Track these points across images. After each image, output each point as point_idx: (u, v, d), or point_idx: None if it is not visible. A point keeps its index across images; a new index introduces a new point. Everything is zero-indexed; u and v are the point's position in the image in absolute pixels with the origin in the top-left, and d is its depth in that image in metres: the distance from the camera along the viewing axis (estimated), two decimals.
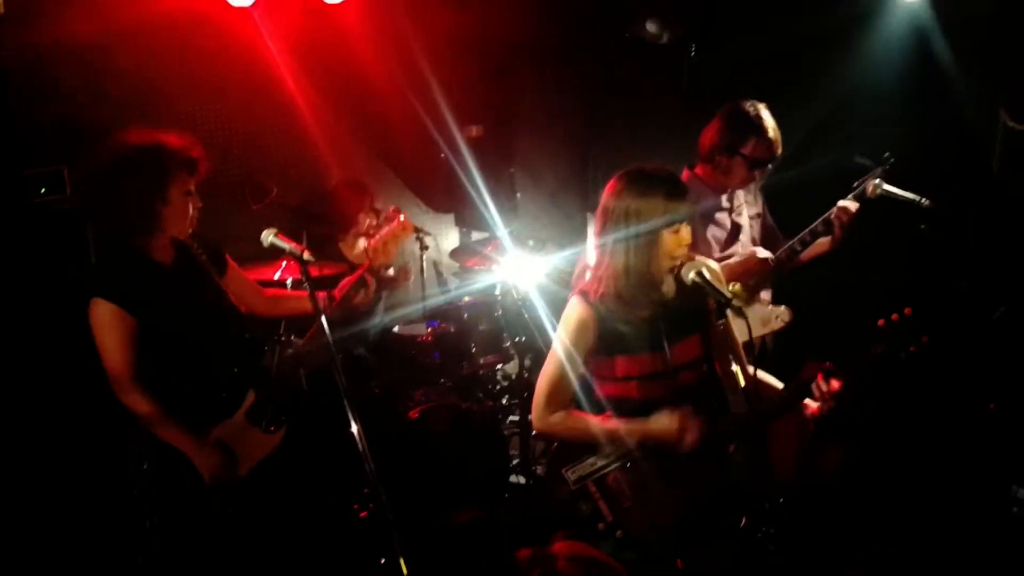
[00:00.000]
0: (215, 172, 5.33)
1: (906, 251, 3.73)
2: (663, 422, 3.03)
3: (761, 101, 4.07)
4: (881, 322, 3.07)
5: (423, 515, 4.48)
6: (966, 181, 3.96)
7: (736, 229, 4.21)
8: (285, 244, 3.16)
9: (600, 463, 3.12)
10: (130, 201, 3.17)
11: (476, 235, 6.49)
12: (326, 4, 5.29)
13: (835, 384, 3.00)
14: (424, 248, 5.93)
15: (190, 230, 3.34)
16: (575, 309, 3.09)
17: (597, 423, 3.08)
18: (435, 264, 5.74)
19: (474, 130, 6.28)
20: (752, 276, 4.07)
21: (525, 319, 5.26)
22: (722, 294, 2.86)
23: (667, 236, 2.98)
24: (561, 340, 3.10)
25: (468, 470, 4.75)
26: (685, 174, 4.17)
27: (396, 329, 5.47)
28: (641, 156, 6.13)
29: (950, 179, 3.63)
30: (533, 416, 3.18)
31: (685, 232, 3.01)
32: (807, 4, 5.06)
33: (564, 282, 5.90)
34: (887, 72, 4.90)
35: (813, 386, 3.04)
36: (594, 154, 6.58)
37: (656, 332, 3.07)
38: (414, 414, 4.71)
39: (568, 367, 3.09)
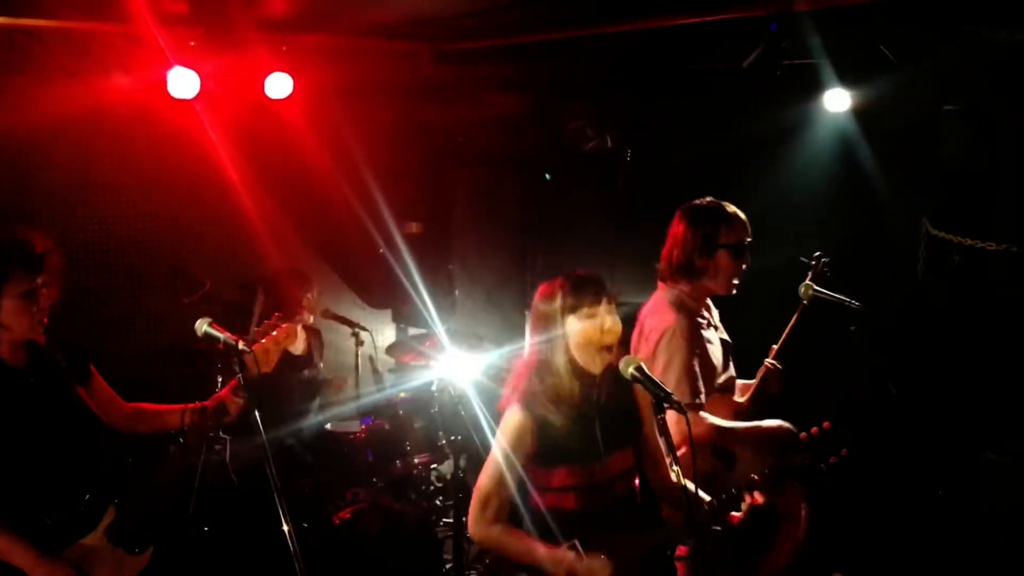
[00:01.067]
0: (148, 263, 5.38)
1: (837, 353, 3.79)
2: (594, 567, 2.96)
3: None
4: (803, 435, 3.11)
5: None
6: (891, 285, 4.08)
7: (727, 348, 3.83)
8: (220, 334, 3.05)
9: None
10: None
11: (413, 332, 6.46)
12: (269, 99, 5.32)
13: (757, 496, 3.05)
14: (360, 344, 5.90)
15: (39, 329, 3.14)
16: (514, 416, 3.05)
17: (530, 547, 3.02)
18: (371, 359, 5.67)
19: (414, 227, 6.32)
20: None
21: (462, 417, 5.20)
22: (661, 388, 2.86)
23: (584, 324, 2.98)
24: (499, 447, 3.05)
25: (399, 573, 4.60)
26: (664, 287, 3.78)
27: (329, 426, 5.36)
28: (577, 256, 6.30)
29: (875, 283, 3.73)
30: (469, 522, 3.10)
31: (609, 321, 3.00)
32: (740, 114, 5.26)
33: (501, 380, 5.87)
34: (815, 179, 5.08)
35: (745, 496, 3.07)
36: (530, 254, 6.65)
37: (593, 442, 3.05)
38: (344, 514, 4.57)
39: (506, 475, 3.02)
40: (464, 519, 5.11)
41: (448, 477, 5.35)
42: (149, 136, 5.24)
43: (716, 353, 3.72)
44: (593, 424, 3.06)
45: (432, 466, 5.34)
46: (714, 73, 5.22)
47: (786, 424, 3.65)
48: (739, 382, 3.88)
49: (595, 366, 3.02)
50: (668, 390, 2.84)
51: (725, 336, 3.84)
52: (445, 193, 6.59)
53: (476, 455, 5.12)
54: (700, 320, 3.71)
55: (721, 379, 3.73)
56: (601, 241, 6.28)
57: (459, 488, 5.12)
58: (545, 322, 3.04)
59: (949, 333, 4.28)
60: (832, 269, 3.97)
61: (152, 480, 3.22)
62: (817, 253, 4.00)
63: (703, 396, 3.58)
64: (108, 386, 3.39)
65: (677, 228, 3.77)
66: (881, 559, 4.73)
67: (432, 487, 5.35)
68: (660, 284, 3.80)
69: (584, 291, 3.01)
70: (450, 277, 6.46)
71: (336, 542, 4.51)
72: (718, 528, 3.29)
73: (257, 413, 3.01)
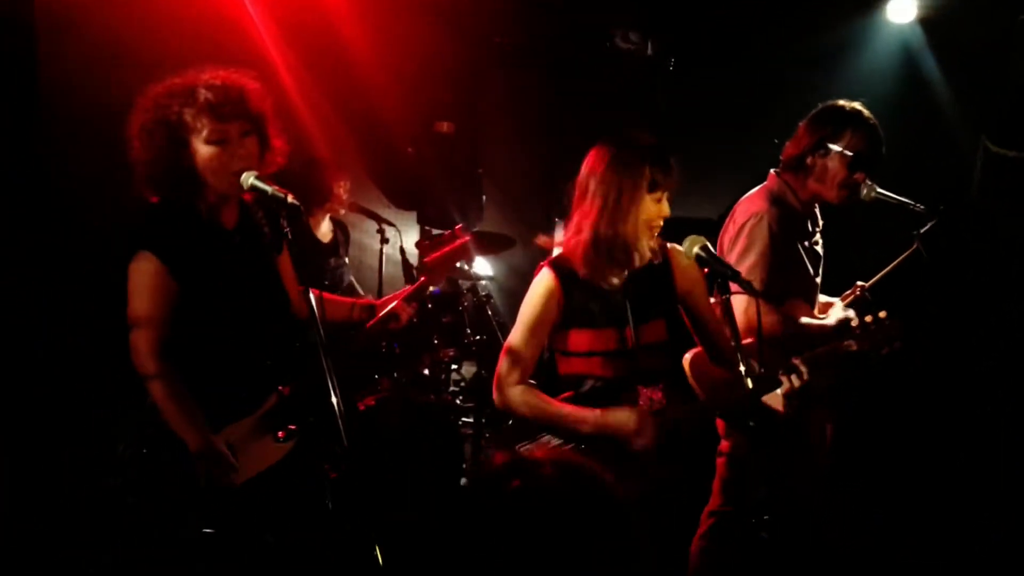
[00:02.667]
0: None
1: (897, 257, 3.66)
2: (620, 417, 2.92)
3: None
4: (856, 322, 3.01)
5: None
6: (948, 203, 3.94)
7: (817, 260, 3.61)
8: (267, 187, 2.82)
9: (555, 442, 3.01)
10: (154, 158, 2.81)
11: (437, 233, 6.34)
12: None
13: (796, 381, 2.98)
14: (385, 241, 5.77)
15: (238, 185, 2.83)
16: (542, 279, 3.01)
17: (555, 405, 2.99)
18: (402, 251, 5.56)
19: (445, 126, 6.16)
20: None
21: (488, 317, 5.14)
22: (728, 267, 2.77)
23: (648, 202, 2.90)
24: (525, 309, 3.03)
25: (420, 464, 4.55)
26: (772, 178, 3.58)
27: None
28: None
29: (934, 200, 3.60)
30: (494, 385, 3.06)
31: (666, 205, 2.94)
32: (796, 26, 5.07)
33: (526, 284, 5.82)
34: (875, 95, 4.89)
35: (783, 378, 2.99)
36: (560, 163, 6.50)
37: (621, 309, 3.00)
38: (369, 401, 4.51)
39: (529, 336, 2.99)
40: (484, 420, 5.09)
41: (469, 378, 5.28)
42: (187, 9, 5.04)
43: (807, 259, 3.54)
44: (627, 292, 3.01)
45: (453, 367, 5.26)
46: None
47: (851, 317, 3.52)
48: (821, 298, 3.70)
49: (642, 235, 2.94)
50: (736, 270, 2.74)
51: (819, 249, 3.65)
52: (479, 95, 6.42)
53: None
54: (797, 220, 3.52)
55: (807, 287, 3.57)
56: None
57: (481, 388, 5.07)
58: (620, 188, 2.90)
59: (1001, 255, 4.17)
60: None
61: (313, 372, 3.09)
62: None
63: (775, 290, 3.40)
64: (291, 264, 3.16)
65: (803, 123, 3.56)
66: (907, 484, 4.69)
67: (453, 387, 5.29)
68: (770, 174, 3.62)
69: (668, 172, 2.92)
70: (478, 181, 6.32)
71: (359, 427, 4.44)
72: (753, 424, 3.23)
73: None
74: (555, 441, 3.00)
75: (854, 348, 3.08)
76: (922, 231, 3.56)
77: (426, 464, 4.59)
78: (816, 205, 3.61)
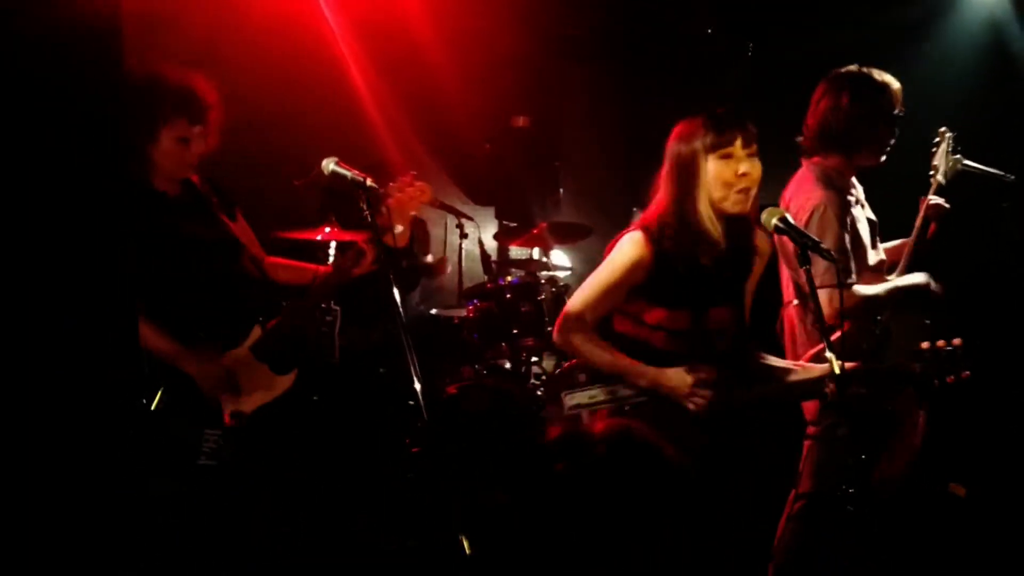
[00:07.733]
0: (260, 143, 5.35)
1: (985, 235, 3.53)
2: (677, 376, 2.84)
3: None
4: (926, 345, 2.84)
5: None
6: None
7: (874, 227, 3.56)
8: (347, 171, 2.99)
9: (601, 397, 2.92)
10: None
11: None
12: None
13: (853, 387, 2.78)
14: (464, 236, 5.82)
15: (188, 172, 3.22)
16: (635, 245, 2.91)
17: (617, 354, 2.89)
18: (480, 243, 5.61)
19: (521, 120, 6.20)
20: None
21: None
22: (808, 237, 2.72)
23: (714, 162, 2.81)
24: (608, 270, 2.93)
25: (503, 453, 4.58)
26: (810, 165, 3.52)
27: (434, 311, 5.36)
28: None
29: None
30: (556, 326, 2.96)
31: (745, 164, 2.81)
32: (871, 7, 4.94)
33: None
34: (958, 72, 4.74)
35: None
36: (639, 152, 6.45)
37: (703, 291, 2.93)
38: (452, 390, 4.57)
39: (606, 295, 2.91)
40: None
41: (550, 371, 5.29)
42: (260, 8, 5.17)
43: (864, 231, 3.49)
44: (709, 273, 2.93)
45: (533, 359, 5.28)
46: None
47: (923, 278, 3.41)
48: (887, 245, 3.66)
49: (719, 197, 2.85)
50: (815, 239, 2.70)
51: (872, 215, 3.60)
52: (555, 87, 6.44)
53: None
54: (849, 197, 3.49)
55: (872, 260, 3.50)
56: None
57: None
58: (684, 162, 2.87)
59: None
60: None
61: (295, 308, 3.24)
62: (943, 128, 3.64)
63: (855, 276, 3.37)
64: (251, 231, 3.41)
65: (834, 98, 3.47)
66: (1002, 469, 4.53)
67: (534, 380, 5.30)
68: (804, 162, 3.57)
69: (723, 129, 2.81)
70: (556, 173, 6.35)
71: (443, 415, 4.50)
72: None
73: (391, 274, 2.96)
74: (602, 396, 2.91)
75: (917, 371, 2.85)
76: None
77: (512, 450, 4.62)
78: (855, 174, 3.56)
